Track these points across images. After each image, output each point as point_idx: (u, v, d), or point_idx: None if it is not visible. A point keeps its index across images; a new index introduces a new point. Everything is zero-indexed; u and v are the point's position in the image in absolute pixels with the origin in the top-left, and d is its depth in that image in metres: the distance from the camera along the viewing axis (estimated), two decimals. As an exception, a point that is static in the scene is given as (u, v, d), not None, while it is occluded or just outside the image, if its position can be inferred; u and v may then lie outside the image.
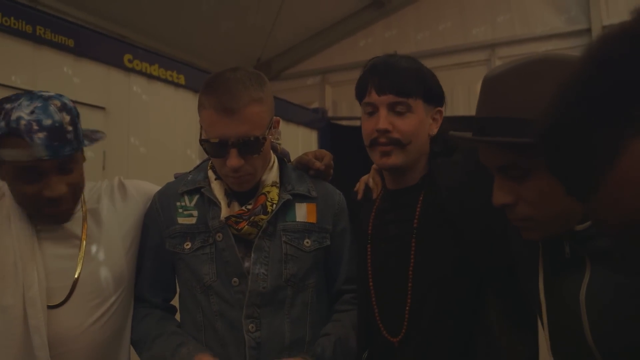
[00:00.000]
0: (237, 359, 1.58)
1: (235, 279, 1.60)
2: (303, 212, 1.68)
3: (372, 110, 1.54)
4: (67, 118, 1.46)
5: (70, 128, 1.46)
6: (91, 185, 1.70)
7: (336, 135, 6.02)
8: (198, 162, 1.85)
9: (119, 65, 3.79)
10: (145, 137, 3.90)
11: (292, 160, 1.84)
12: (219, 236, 1.62)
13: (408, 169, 1.58)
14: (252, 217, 1.60)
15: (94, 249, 1.61)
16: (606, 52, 0.59)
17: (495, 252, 1.39)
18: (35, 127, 1.39)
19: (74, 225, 1.59)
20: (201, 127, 1.58)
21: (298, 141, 5.62)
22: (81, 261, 1.57)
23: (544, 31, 5.90)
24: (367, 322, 1.61)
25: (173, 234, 1.67)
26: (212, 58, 6.83)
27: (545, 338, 1.18)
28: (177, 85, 4.23)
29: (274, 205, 1.63)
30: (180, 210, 1.68)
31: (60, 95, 1.49)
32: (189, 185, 1.70)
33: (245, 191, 1.64)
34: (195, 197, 1.69)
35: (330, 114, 6.74)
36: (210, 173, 1.69)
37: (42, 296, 1.49)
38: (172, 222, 1.68)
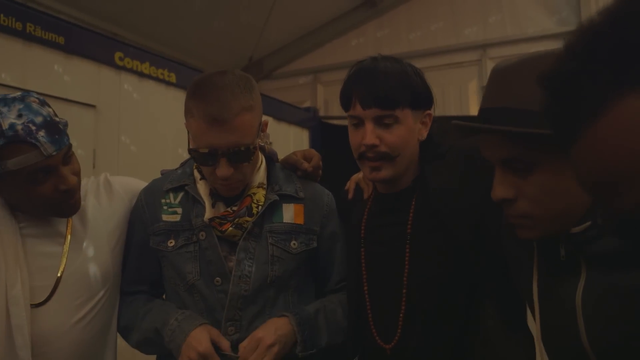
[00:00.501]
0: None
1: (217, 278, 1.59)
2: (290, 213, 1.66)
3: (358, 122, 1.50)
4: (50, 110, 1.47)
5: (57, 119, 1.47)
6: None
7: (328, 135, 6.01)
8: (188, 159, 1.84)
9: (109, 63, 3.77)
10: (135, 135, 3.88)
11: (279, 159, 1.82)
12: (202, 234, 1.61)
13: (399, 176, 1.56)
14: (237, 219, 1.59)
15: (78, 246, 1.60)
16: (618, 11, 0.59)
17: (488, 255, 1.38)
18: (33, 127, 1.38)
19: (59, 222, 1.58)
20: (188, 132, 1.56)
21: (289, 140, 5.61)
22: (65, 259, 1.56)
23: (535, 32, 5.91)
24: (359, 327, 1.59)
25: (157, 232, 1.66)
26: (204, 57, 6.81)
27: (537, 339, 1.17)
28: (168, 83, 4.22)
29: (260, 207, 1.61)
30: (165, 208, 1.67)
31: (28, 92, 1.48)
32: (174, 183, 1.69)
33: None
34: (180, 195, 1.68)
35: (321, 113, 6.73)
36: (196, 173, 1.67)
37: (25, 295, 1.47)
38: (156, 219, 1.67)
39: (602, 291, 1.01)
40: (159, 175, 1.83)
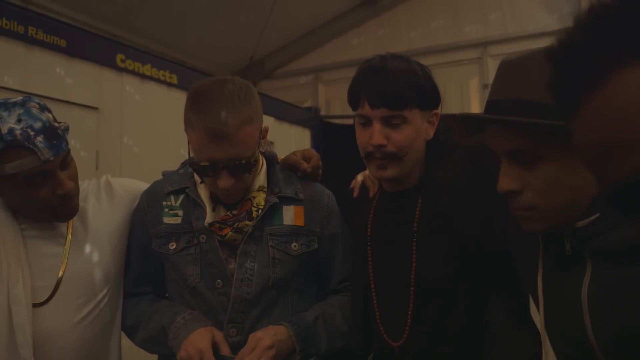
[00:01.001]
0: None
1: (219, 280, 1.60)
2: (290, 215, 1.66)
3: (366, 122, 1.50)
4: (50, 115, 1.47)
5: (56, 124, 1.47)
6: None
7: (329, 134, 6.03)
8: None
9: (111, 65, 3.78)
10: (138, 136, 3.90)
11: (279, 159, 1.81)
12: (202, 237, 1.61)
13: (406, 175, 1.55)
14: (236, 224, 1.59)
15: (79, 247, 1.60)
16: None
17: (494, 251, 1.38)
18: (32, 133, 1.39)
19: (60, 224, 1.60)
20: (188, 142, 1.55)
21: (291, 140, 5.62)
22: (65, 259, 1.57)
23: (535, 29, 5.91)
24: (367, 326, 1.59)
25: (159, 234, 1.67)
26: (205, 57, 6.82)
27: (542, 335, 1.18)
28: (169, 84, 4.23)
29: (260, 211, 1.61)
30: (166, 210, 1.67)
31: (29, 97, 1.48)
32: (175, 185, 1.69)
33: None
34: (181, 197, 1.68)
35: (323, 112, 6.75)
36: (197, 176, 1.66)
37: (27, 294, 1.48)
38: (158, 221, 1.67)
39: (607, 286, 1.02)
40: (162, 176, 1.84)
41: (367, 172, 1.72)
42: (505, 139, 1.07)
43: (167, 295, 1.78)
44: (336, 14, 7.18)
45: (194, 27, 6.22)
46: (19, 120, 1.39)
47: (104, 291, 1.63)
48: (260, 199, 1.62)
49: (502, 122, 1.06)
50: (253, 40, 6.80)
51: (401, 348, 1.50)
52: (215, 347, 1.50)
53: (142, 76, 4.01)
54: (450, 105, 5.91)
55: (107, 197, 1.72)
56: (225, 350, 1.52)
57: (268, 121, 1.58)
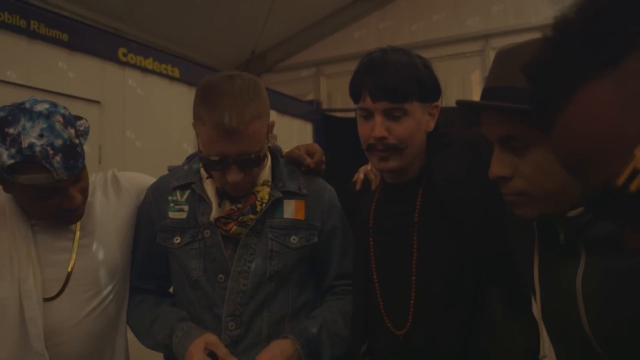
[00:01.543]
0: None
1: (221, 275, 1.61)
2: (291, 209, 1.67)
3: (368, 115, 1.52)
4: (72, 131, 1.46)
5: (77, 141, 1.47)
6: None
7: (331, 127, 6.03)
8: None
9: (113, 59, 3.79)
10: (140, 130, 3.91)
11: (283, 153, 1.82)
12: (206, 232, 1.62)
13: (407, 167, 1.57)
14: (241, 217, 1.60)
15: (87, 241, 1.62)
16: (587, 3, 0.64)
17: (493, 242, 1.40)
18: (51, 152, 1.39)
19: None
20: (197, 135, 1.57)
21: (293, 133, 5.63)
22: (74, 254, 1.58)
23: (538, 21, 5.89)
24: (368, 316, 1.61)
25: (164, 228, 1.68)
26: (207, 51, 6.82)
27: (540, 325, 1.19)
28: (171, 78, 4.24)
29: (264, 205, 1.62)
30: (171, 205, 1.69)
31: (55, 105, 1.47)
32: (181, 180, 1.70)
33: None
34: (187, 192, 1.69)
35: (325, 105, 6.74)
36: (203, 171, 1.69)
37: (38, 288, 1.50)
38: (163, 216, 1.69)
39: (601, 275, 1.03)
40: (164, 170, 1.85)
41: (369, 165, 1.74)
42: (497, 125, 1.09)
43: (171, 290, 1.80)
44: (338, 7, 7.17)
45: (196, 21, 6.22)
46: (41, 136, 1.38)
47: (112, 285, 1.65)
48: (264, 193, 1.64)
49: (493, 108, 1.09)
50: (255, 34, 6.80)
51: (405, 336, 1.53)
52: (212, 352, 1.53)
53: (144, 70, 4.02)
54: (452, 97, 5.86)
55: (114, 191, 1.73)
56: (221, 352, 1.53)
57: (270, 115, 1.60)
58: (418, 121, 1.51)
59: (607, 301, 1.02)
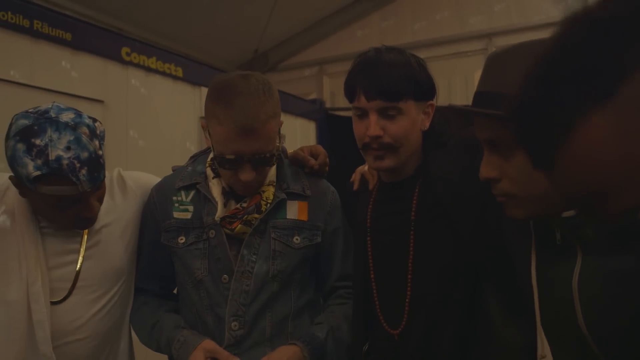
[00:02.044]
0: None
1: (225, 275, 1.61)
2: (294, 210, 1.68)
3: (362, 114, 1.53)
4: (97, 143, 1.47)
5: (100, 152, 1.48)
6: None
7: (334, 126, 6.01)
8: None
9: (116, 58, 3.79)
10: (144, 130, 3.91)
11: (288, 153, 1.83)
12: (211, 233, 1.63)
13: (402, 165, 1.58)
14: (245, 216, 1.61)
15: (94, 243, 1.63)
16: (567, 35, 0.63)
17: (490, 241, 1.40)
18: (78, 165, 1.40)
19: None
20: (208, 133, 1.57)
21: (296, 132, 5.62)
22: (82, 256, 1.59)
23: (541, 20, 5.86)
24: (366, 315, 1.61)
25: (168, 228, 1.69)
26: (210, 50, 6.81)
27: (538, 325, 1.19)
28: (175, 77, 4.23)
29: (268, 205, 1.63)
30: (176, 205, 1.69)
31: (80, 115, 1.47)
32: (186, 181, 1.71)
33: None
34: (192, 193, 1.70)
35: (328, 104, 6.73)
36: (209, 171, 1.69)
37: (46, 291, 1.51)
38: (167, 216, 1.69)
39: (597, 274, 1.04)
40: (168, 169, 1.85)
41: (366, 166, 1.75)
42: (483, 128, 1.12)
43: (175, 290, 1.80)
44: (340, 6, 7.15)
45: (199, 21, 6.22)
46: (68, 148, 1.39)
47: (117, 286, 1.66)
48: (269, 193, 1.65)
49: (477, 114, 1.12)
50: (257, 33, 6.79)
51: (400, 336, 1.53)
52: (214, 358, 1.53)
53: (148, 69, 4.01)
54: (456, 96, 5.90)
55: (120, 192, 1.73)
56: (222, 356, 1.53)
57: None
58: (413, 120, 1.52)
59: (604, 301, 1.02)
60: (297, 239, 1.66)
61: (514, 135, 0.73)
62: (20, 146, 1.37)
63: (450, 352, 1.47)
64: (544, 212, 1.09)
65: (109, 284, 1.64)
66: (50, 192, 1.41)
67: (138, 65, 3.93)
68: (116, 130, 3.68)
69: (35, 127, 1.38)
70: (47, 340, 1.49)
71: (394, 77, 1.48)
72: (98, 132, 1.51)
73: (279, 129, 1.60)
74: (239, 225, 1.61)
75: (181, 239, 1.67)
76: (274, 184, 1.68)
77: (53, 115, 1.41)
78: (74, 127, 1.42)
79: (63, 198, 1.44)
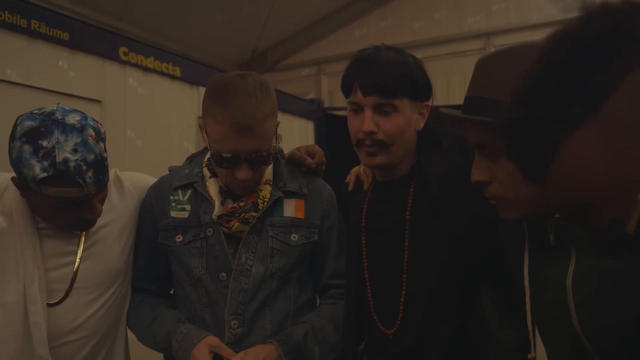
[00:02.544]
0: None
1: (223, 273, 1.62)
2: (291, 208, 1.69)
3: (358, 109, 1.54)
4: (102, 146, 1.48)
5: (105, 155, 1.49)
6: None
7: (332, 126, 6.01)
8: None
9: (114, 58, 3.78)
10: (141, 129, 3.90)
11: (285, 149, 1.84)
12: (209, 231, 1.63)
13: (396, 164, 1.58)
14: (243, 214, 1.61)
15: (92, 244, 1.62)
16: (551, 53, 0.64)
17: (484, 241, 1.40)
18: (84, 167, 1.40)
19: None
20: (205, 132, 1.58)
21: (294, 132, 5.62)
22: (79, 257, 1.59)
23: (539, 19, 5.88)
24: (360, 315, 1.61)
25: (166, 227, 1.69)
26: (208, 50, 6.82)
27: (529, 325, 1.19)
28: (172, 77, 4.23)
29: (265, 203, 1.64)
30: (173, 204, 1.70)
31: (85, 117, 1.48)
32: (183, 180, 1.71)
33: None
34: (189, 192, 1.70)
35: (326, 104, 6.73)
36: (206, 171, 1.70)
37: (42, 293, 1.50)
38: (165, 215, 1.69)
39: (592, 274, 1.04)
40: (165, 169, 1.85)
41: (361, 165, 1.75)
42: (473, 133, 1.14)
43: (172, 291, 1.80)
44: (339, 5, 7.16)
45: (197, 20, 6.22)
46: (75, 151, 1.39)
47: (114, 286, 1.66)
48: (266, 191, 1.65)
49: (464, 119, 1.14)
50: (256, 33, 6.79)
51: (395, 335, 1.53)
52: (217, 353, 1.54)
53: (145, 69, 4.01)
54: (454, 95, 5.91)
55: (117, 192, 1.73)
56: (226, 353, 1.54)
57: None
58: (407, 118, 1.53)
59: (598, 300, 1.03)
60: (294, 237, 1.66)
61: (506, 147, 0.74)
62: (27, 148, 1.37)
63: (445, 351, 1.47)
64: (536, 214, 1.10)
65: (106, 284, 1.64)
66: (56, 194, 1.41)
67: (136, 65, 3.93)
68: (114, 130, 3.67)
69: (42, 129, 1.38)
70: (44, 342, 1.49)
71: (391, 74, 1.49)
72: (102, 133, 1.52)
73: (276, 129, 1.61)
74: (236, 224, 1.61)
75: (178, 238, 1.67)
76: (271, 182, 1.68)
77: (59, 117, 1.41)
78: (80, 129, 1.42)
79: (67, 200, 1.43)
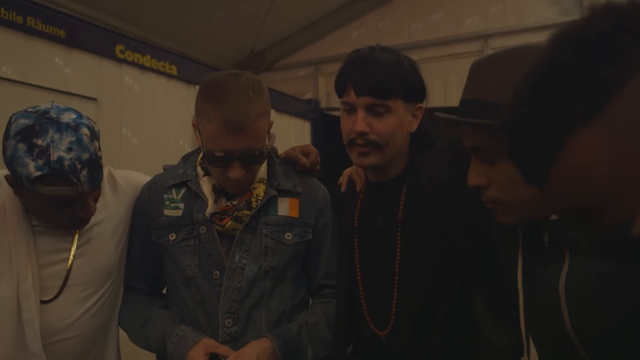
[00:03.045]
0: None
1: (216, 271, 1.62)
2: (285, 207, 1.69)
3: (351, 109, 1.54)
4: (97, 144, 1.48)
5: (100, 153, 1.49)
6: None
7: (329, 126, 6.00)
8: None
9: (110, 56, 3.77)
10: (137, 128, 3.89)
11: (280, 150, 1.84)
12: (202, 229, 1.64)
13: (388, 165, 1.58)
14: (236, 213, 1.61)
15: (85, 242, 1.62)
16: (555, 52, 0.64)
17: (477, 243, 1.39)
18: (79, 166, 1.40)
19: None
20: (198, 131, 1.58)
21: (291, 132, 5.61)
22: (73, 254, 1.59)
23: (536, 22, 5.89)
24: (352, 316, 1.61)
25: (159, 226, 1.69)
26: (205, 49, 6.80)
27: (522, 327, 1.19)
28: (169, 76, 4.22)
29: (259, 201, 1.64)
30: (167, 203, 1.70)
31: (80, 116, 1.47)
32: (177, 179, 1.71)
33: None
34: (183, 190, 1.70)
35: (323, 104, 6.73)
36: (199, 169, 1.70)
37: (36, 289, 1.51)
38: (158, 214, 1.70)
39: (585, 276, 1.04)
40: (161, 168, 1.85)
41: (354, 167, 1.76)
42: (469, 137, 1.13)
43: (164, 290, 1.80)
44: (337, 6, 7.16)
45: (194, 19, 6.21)
46: (70, 149, 1.39)
47: (107, 284, 1.66)
48: (260, 190, 1.65)
49: (461, 123, 1.13)
50: (253, 32, 6.78)
51: (388, 337, 1.53)
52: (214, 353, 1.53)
53: (142, 67, 4.00)
54: (452, 97, 5.91)
55: (111, 190, 1.73)
56: (223, 350, 1.53)
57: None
58: (400, 120, 1.53)
59: (591, 303, 1.02)
60: (288, 236, 1.67)
61: (507, 148, 0.73)
62: (21, 146, 1.37)
63: (438, 353, 1.46)
64: (533, 217, 1.09)
65: (100, 282, 1.64)
66: (50, 193, 1.40)
67: (132, 63, 3.92)
68: (110, 128, 3.67)
69: (37, 127, 1.38)
70: (37, 339, 1.49)
71: (385, 75, 1.49)
72: (97, 131, 1.52)
73: (269, 128, 1.61)
74: (230, 222, 1.62)
75: (172, 236, 1.67)
76: (265, 181, 1.69)
77: (54, 116, 1.41)
78: (75, 128, 1.42)
79: (61, 198, 1.43)
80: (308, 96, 6.97)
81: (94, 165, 1.45)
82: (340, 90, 1.58)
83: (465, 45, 6.41)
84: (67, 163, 1.38)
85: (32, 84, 3.17)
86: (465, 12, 6.43)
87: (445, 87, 5.95)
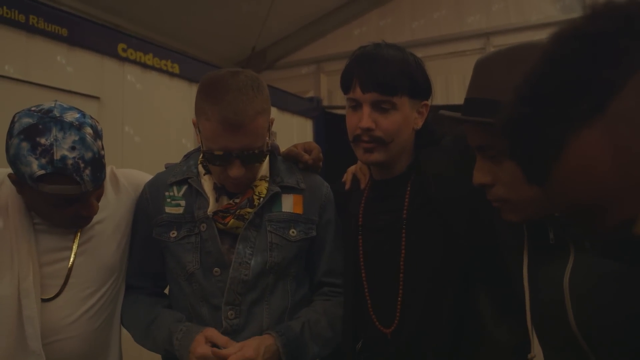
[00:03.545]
0: None
1: (216, 268, 1.61)
2: (289, 203, 1.69)
3: (356, 105, 1.53)
4: (100, 143, 1.48)
5: (103, 152, 1.49)
6: None
7: (331, 124, 6.01)
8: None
9: (113, 54, 3.77)
10: (139, 126, 3.90)
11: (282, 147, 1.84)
12: (203, 226, 1.63)
13: (393, 162, 1.58)
14: (238, 211, 1.61)
15: (87, 240, 1.62)
16: (556, 51, 0.64)
17: (482, 240, 1.39)
18: (82, 165, 1.40)
19: None
20: (198, 130, 1.57)
21: (293, 130, 5.62)
22: (74, 253, 1.58)
23: (538, 19, 5.89)
24: (358, 314, 1.61)
25: (160, 223, 1.69)
26: (207, 47, 6.81)
27: (529, 324, 1.19)
28: (171, 74, 4.23)
29: (261, 199, 1.63)
30: (168, 200, 1.69)
31: (83, 115, 1.47)
32: (178, 176, 1.71)
33: None
34: (184, 188, 1.70)
35: (325, 103, 6.74)
36: (200, 168, 1.70)
37: (37, 288, 1.50)
38: (160, 211, 1.69)
39: (590, 273, 1.04)
40: (163, 166, 1.85)
41: (358, 164, 1.75)
42: (474, 135, 1.13)
43: (166, 291, 1.80)
44: (338, 4, 7.17)
45: (196, 17, 6.22)
46: (73, 148, 1.39)
47: (109, 283, 1.66)
48: (262, 187, 1.65)
49: (466, 121, 1.13)
50: (255, 31, 6.78)
51: (393, 334, 1.53)
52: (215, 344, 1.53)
53: (144, 66, 4.00)
54: (453, 95, 5.91)
55: (113, 189, 1.73)
56: (222, 341, 1.53)
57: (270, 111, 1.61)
58: (406, 116, 1.52)
59: (595, 300, 1.02)
60: (293, 232, 1.66)
61: (507, 148, 0.73)
62: (25, 145, 1.37)
63: (443, 350, 1.46)
64: (539, 215, 1.09)
65: (101, 281, 1.63)
66: (53, 191, 1.41)
67: (134, 62, 3.92)
68: (112, 126, 3.67)
69: (40, 126, 1.38)
70: (37, 337, 1.48)
71: (390, 71, 1.49)
72: (99, 130, 1.52)
73: (270, 126, 1.60)
74: (232, 220, 1.61)
75: (173, 234, 1.67)
76: (267, 178, 1.68)
77: (57, 115, 1.41)
78: (78, 127, 1.42)
79: (64, 197, 1.43)
80: (310, 94, 6.98)
81: (97, 164, 1.45)
82: (346, 87, 1.57)
83: (467, 43, 6.42)
84: (70, 162, 1.38)
85: (34, 83, 3.17)
86: (467, 9, 6.43)
87: (447, 85, 5.95)
